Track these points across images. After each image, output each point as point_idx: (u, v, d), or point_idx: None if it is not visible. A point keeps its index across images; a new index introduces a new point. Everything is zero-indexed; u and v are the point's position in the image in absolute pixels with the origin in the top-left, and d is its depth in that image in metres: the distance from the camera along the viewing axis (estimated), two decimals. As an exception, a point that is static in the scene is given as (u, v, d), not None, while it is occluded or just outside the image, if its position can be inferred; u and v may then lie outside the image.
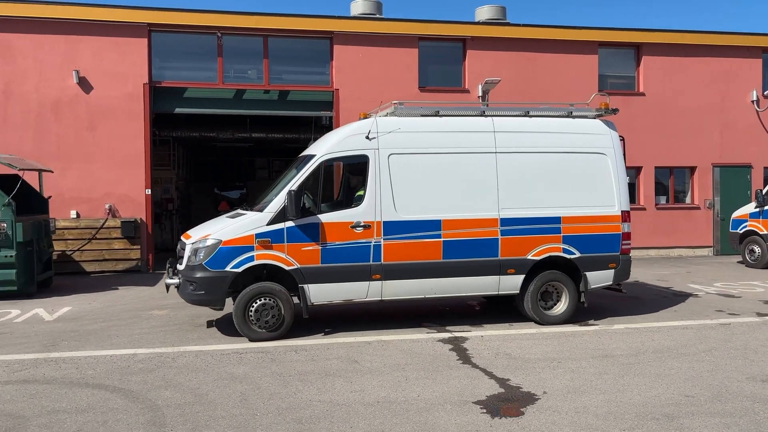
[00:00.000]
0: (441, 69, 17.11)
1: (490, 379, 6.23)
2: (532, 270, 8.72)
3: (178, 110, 15.84)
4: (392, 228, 8.29)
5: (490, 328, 8.60)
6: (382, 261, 8.24)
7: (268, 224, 7.98)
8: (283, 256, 7.99)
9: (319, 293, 8.16)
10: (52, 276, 12.68)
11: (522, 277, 8.67)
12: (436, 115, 8.86)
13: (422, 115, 8.88)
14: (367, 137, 8.41)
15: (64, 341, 7.97)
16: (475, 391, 5.84)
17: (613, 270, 8.99)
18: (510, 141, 8.80)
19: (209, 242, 7.97)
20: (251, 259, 7.92)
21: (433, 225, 8.43)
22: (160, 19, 15.25)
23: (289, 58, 16.47)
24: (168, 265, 8.65)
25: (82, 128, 14.94)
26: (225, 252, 7.89)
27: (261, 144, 22.15)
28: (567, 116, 9.26)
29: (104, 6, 15.08)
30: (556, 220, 8.76)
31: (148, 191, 15.22)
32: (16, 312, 10.00)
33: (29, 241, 11.32)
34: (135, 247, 14.91)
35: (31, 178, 12.76)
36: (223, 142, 22.29)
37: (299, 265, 8.02)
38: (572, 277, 8.88)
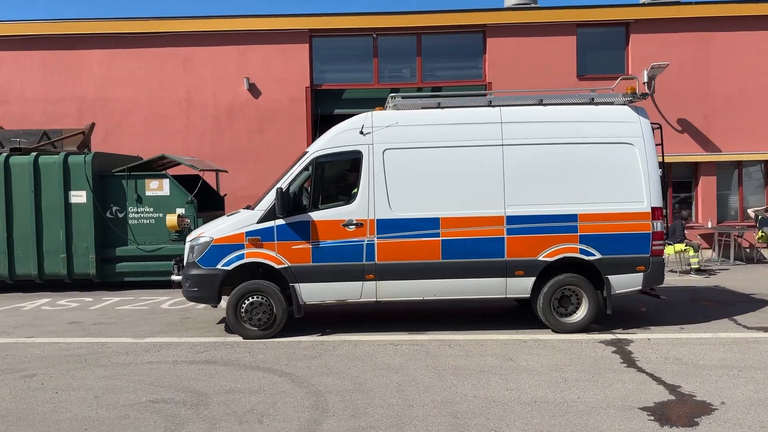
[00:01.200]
0: (601, 56, 16.21)
1: (658, 384, 5.80)
2: (545, 272, 7.98)
3: (337, 111, 16.55)
4: (386, 226, 7.95)
5: (658, 331, 8.01)
6: (376, 261, 7.93)
7: (258, 222, 7.97)
8: (273, 254, 7.93)
9: (311, 292, 8.01)
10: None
11: (532, 279, 7.96)
12: (437, 107, 8.34)
13: (423, 108, 8.40)
14: (361, 132, 8.11)
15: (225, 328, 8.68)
16: (642, 396, 5.48)
17: (642, 273, 7.98)
18: (519, 132, 8.08)
19: (201, 240, 8.12)
20: (241, 257, 7.94)
21: (431, 223, 7.97)
22: (320, 25, 16.04)
23: (442, 55, 16.55)
24: (174, 263, 8.91)
25: (252, 131, 16.16)
26: (216, 250, 7.99)
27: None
28: (588, 103, 8.35)
29: (270, 16, 16.17)
30: (572, 217, 7.93)
31: (310, 188, 16.09)
32: (198, 299, 11.07)
33: (208, 234, 12.48)
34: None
35: (209, 178, 14.06)
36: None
37: (289, 264, 7.92)
38: (593, 280, 8.01)
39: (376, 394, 5.66)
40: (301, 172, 8.15)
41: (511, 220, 7.92)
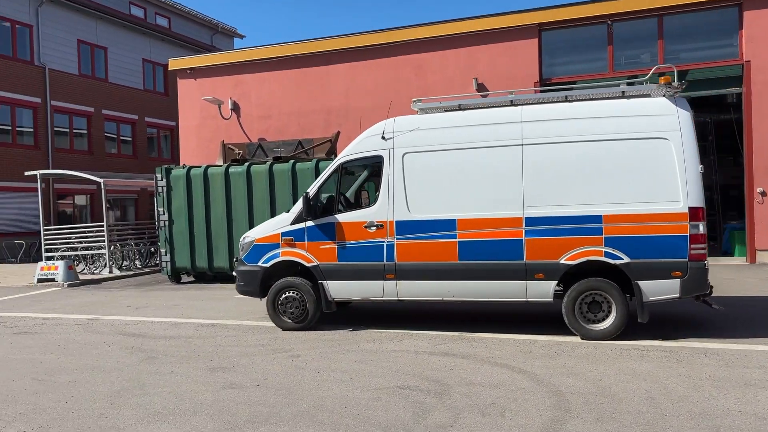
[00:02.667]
0: None
1: None
2: (571, 276, 7.58)
3: (567, 105, 16.05)
4: (405, 228, 8.08)
5: None
6: (396, 261, 8.12)
7: (291, 224, 8.56)
8: (304, 253, 8.49)
9: (338, 290, 8.47)
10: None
11: (553, 283, 7.61)
12: (458, 109, 8.19)
13: (446, 110, 8.25)
14: (383, 137, 8.23)
15: (473, 322, 8.88)
16: None
17: (678, 280, 7.19)
18: (540, 131, 7.68)
19: (247, 240, 8.89)
20: (277, 255, 8.60)
21: (447, 225, 7.94)
22: (549, 18, 15.67)
23: (687, 35, 15.10)
24: (234, 260, 9.40)
25: (480, 130, 16.37)
26: (257, 249, 8.74)
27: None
28: (620, 97, 7.70)
29: (498, 15, 16.24)
30: (596, 219, 7.40)
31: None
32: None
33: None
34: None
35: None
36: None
37: (318, 262, 8.43)
38: (624, 286, 7.39)
39: (623, 399, 5.38)
40: (329, 177, 8.60)
41: (530, 221, 7.67)
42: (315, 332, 8.55)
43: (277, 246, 8.71)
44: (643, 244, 7.32)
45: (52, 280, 15.24)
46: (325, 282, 8.54)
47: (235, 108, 19.06)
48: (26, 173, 19.86)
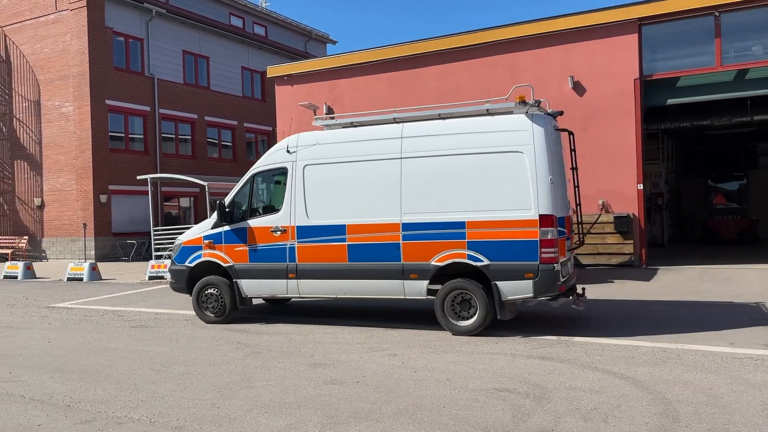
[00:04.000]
0: None
1: None
2: (441, 277, 8.37)
3: (670, 101, 15.36)
4: (304, 232, 9.01)
5: None
6: (297, 262, 9.08)
7: (212, 228, 9.69)
8: (222, 254, 9.59)
9: (250, 288, 9.53)
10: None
11: (425, 282, 8.45)
12: (351, 126, 9.23)
13: (343, 127, 9.27)
14: (288, 151, 9.25)
15: (570, 326, 8.70)
16: None
17: (531, 281, 7.90)
18: (417, 146, 8.56)
19: (177, 242, 10.17)
20: (200, 256, 9.75)
21: (339, 229, 8.81)
22: (650, 12, 15.04)
23: (805, 23, 14.03)
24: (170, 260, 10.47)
25: (576, 129, 15.88)
26: (185, 250, 9.95)
27: (765, 127, 19.50)
28: (485, 114, 8.48)
29: (595, 11, 15.75)
30: (461, 225, 8.20)
31: (640, 186, 15.20)
32: (527, 296, 11.40)
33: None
34: (627, 242, 15.11)
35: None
36: (717, 130, 20.57)
37: (233, 263, 9.48)
38: (487, 286, 8.10)
39: (736, 410, 5.12)
40: (243, 186, 9.64)
41: (406, 227, 8.47)
42: (409, 332, 8.67)
43: (200, 248, 9.82)
44: (500, 247, 8.05)
45: (162, 277, 16.26)
46: (239, 281, 9.56)
47: (330, 112, 19.55)
48: (138, 177, 21.28)
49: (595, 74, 15.64)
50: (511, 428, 4.89)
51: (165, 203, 26.51)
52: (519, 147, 8.06)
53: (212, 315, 9.79)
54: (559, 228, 8.05)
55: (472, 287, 8.21)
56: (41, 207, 24.33)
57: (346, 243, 8.84)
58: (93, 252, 23.02)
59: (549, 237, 7.87)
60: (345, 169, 8.99)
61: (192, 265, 9.88)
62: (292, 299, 10.31)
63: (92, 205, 23.36)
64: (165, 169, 25.51)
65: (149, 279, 16.47)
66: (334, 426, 5.07)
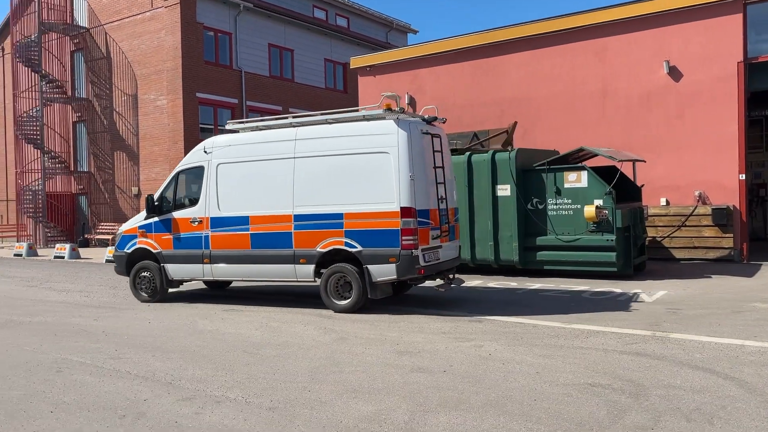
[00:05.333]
0: None
1: None
2: (326, 262, 9.53)
3: (777, 85, 14.32)
4: (216, 222, 10.26)
5: None
6: (211, 249, 10.34)
7: (144, 219, 11.01)
8: (152, 242, 10.86)
9: (174, 271, 10.80)
10: (645, 260, 13.40)
11: (312, 266, 9.58)
12: (257, 129, 10.46)
13: (252, 129, 10.49)
14: (205, 151, 10.52)
15: (665, 322, 8.31)
16: None
17: (394, 264, 9.05)
18: (307, 147, 9.72)
19: (119, 231, 11.74)
20: (135, 243, 11.08)
21: (243, 220, 10.03)
22: (755, -11, 14.07)
23: None
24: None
25: (671, 117, 15.19)
26: (124, 238, 11.35)
27: None
28: (362, 119, 9.56)
29: (693, -10, 14.89)
30: (339, 216, 9.34)
31: (742, 176, 14.31)
32: (618, 291, 11.01)
33: (626, 227, 12.25)
34: (727, 235, 14.27)
35: (625, 168, 13.75)
36: (830, 116, 18.95)
37: (161, 249, 10.77)
38: (361, 269, 9.24)
39: None
40: (170, 182, 10.98)
41: (297, 218, 9.66)
42: (495, 323, 8.56)
43: (136, 237, 11.19)
44: (370, 236, 9.22)
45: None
46: (165, 265, 10.86)
47: (411, 102, 19.55)
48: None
49: (693, 58, 14.81)
50: (607, 425, 4.73)
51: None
52: (386, 148, 9.24)
53: (146, 295, 11.14)
54: (420, 219, 9.18)
55: (349, 270, 9.41)
56: (138, 195, 25.69)
57: (249, 232, 10.08)
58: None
59: (409, 227, 9.06)
60: (250, 167, 10.21)
61: (129, 251, 11.25)
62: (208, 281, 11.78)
63: (184, 194, 24.46)
64: (251, 159, 26.30)
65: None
66: (423, 414, 5.08)
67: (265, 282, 12.25)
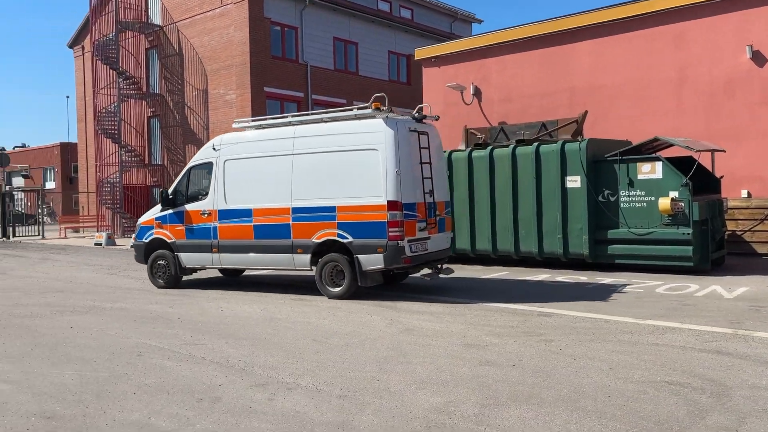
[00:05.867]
0: None
1: None
2: (321, 252, 10.18)
3: None
4: (223, 214, 10.98)
5: None
6: (218, 239, 11.07)
7: (160, 211, 11.78)
8: (167, 233, 11.58)
9: (186, 260, 11.55)
10: (724, 255, 12.80)
11: (308, 256, 10.25)
12: (261, 128, 11.17)
13: (256, 128, 11.19)
14: (214, 149, 11.25)
15: (747, 320, 7.92)
16: None
17: (381, 254, 9.67)
18: (304, 144, 10.37)
19: (138, 222, 12.42)
20: (152, 234, 11.83)
21: (247, 213, 10.73)
22: None
23: None
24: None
25: (754, 104, 14.41)
26: (142, 229, 12.10)
27: None
28: (354, 118, 10.21)
29: (780, -30, 14.05)
30: (332, 209, 10.02)
31: (832, 167, 13.43)
32: (694, 287, 10.56)
33: (704, 219, 11.72)
34: (814, 229, 13.43)
35: (702, 159, 13.15)
36: None
37: (175, 240, 11.52)
38: (352, 259, 9.89)
39: None
40: (182, 177, 11.79)
41: (295, 210, 10.30)
42: (564, 319, 8.39)
43: (153, 227, 11.97)
44: (361, 227, 9.80)
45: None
46: (179, 254, 11.67)
47: (477, 93, 19.32)
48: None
49: (779, 42, 13.98)
50: (688, 424, 4.55)
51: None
52: (375, 145, 9.80)
53: (162, 281, 11.98)
54: (406, 212, 9.74)
55: (342, 260, 10.04)
56: (208, 187, 26.49)
57: (252, 224, 10.80)
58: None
59: (395, 219, 9.64)
60: (254, 163, 10.91)
61: (147, 241, 12.05)
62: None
63: (252, 186, 25.08)
64: (316, 152, 26.67)
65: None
66: (494, 407, 5.03)
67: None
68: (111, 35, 28.06)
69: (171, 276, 11.82)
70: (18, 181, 53.15)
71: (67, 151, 48.86)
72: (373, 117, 10.05)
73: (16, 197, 44.17)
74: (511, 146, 13.91)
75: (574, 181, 12.89)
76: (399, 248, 9.65)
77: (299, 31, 26.66)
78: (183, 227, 11.55)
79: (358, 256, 9.83)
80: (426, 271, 10.71)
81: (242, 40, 24.91)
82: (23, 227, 32.87)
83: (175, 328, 8.33)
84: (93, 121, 29.56)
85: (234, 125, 11.86)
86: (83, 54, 33.09)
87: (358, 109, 10.35)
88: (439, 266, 10.73)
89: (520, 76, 18.34)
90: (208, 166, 11.45)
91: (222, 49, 25.78)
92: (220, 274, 13.41)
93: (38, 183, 49.49)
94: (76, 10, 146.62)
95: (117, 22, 27.75)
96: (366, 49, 29.42)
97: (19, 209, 43.56)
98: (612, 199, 12.58)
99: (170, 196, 11.75)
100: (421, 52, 20.86)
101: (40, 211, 35.87)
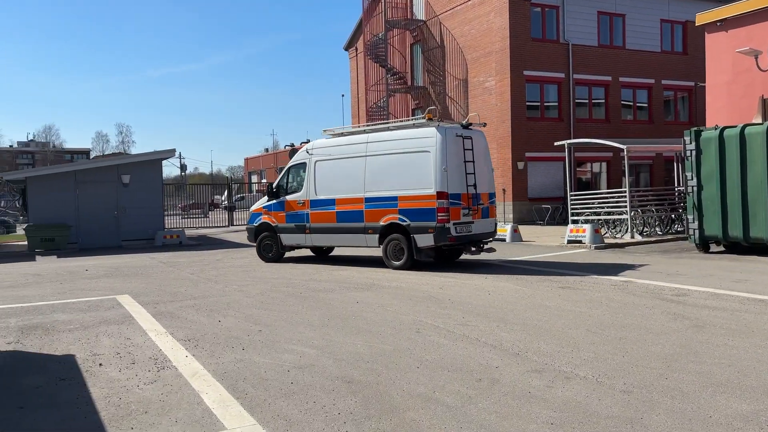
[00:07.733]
0: None
1: None
2: (386, 233, 12.84)
3: None
4: (314, 203, 14.08)
5: None
6: (310, 223, 14.15)
7: (267, 201, 15.10)
8: (272, 218, 14.87)
9: (286, 239, 14.74)
10: None
11: (377, 236, 12.96)
12: (342, 135, 14.24)
13: (340, 135, 14.27)
14: (307, 152, 14.48)
15: None
16: None
17: (432, 234, 12.16)
18: (374, 148, 13.22)
19: (250, 210, 15.99)
20: (260, 219, 15.11)
21: (332, 202, 13.73)
22: None
23: None
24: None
25: None
26: (253, 215, 15.43)
27: None
28: (412, 127, 13.07)
29: None
30: (395, 198, 12.69)
31: None
32: None
33: None
34: None
35: None
36: None
37: (277, 224, 14.78)
38: (409, 238, 12.52)
39: None
40: (284, 174, 14.78)
41: (367, 200, 13.13)
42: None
43: (261, 214, 15.10)
44: (416, 213, 12.41)
45: (580, 242, 16.43)
46: (280, 235, 14.71)
47: (774, 57, 16.55)
48: (555, 143, 21.84)
49: None
50: None
51: (577, 168, 26.67)
52: (427, 148, 12.35)
53: (270, 255, 14.97)
54: (451, 200, 12.17)
55: (402, 239, 12.63)
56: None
57: (335, 210, 13.63)
58: (511, 215, 24.74)
59: (443, 206, 12.10)
60: (337, 163, 13.78)
61: (256, 225, 15.20)
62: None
63: (510, 172, 25.04)
64: (578, 134, 25.60)
65: (567, 243, 16.83)
66: (820, 424, 4.26)
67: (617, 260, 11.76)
68: (380, 35, 30.27)
69: (276, 252, 14.94)
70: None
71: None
72: (428, 126, 12.60)
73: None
74: (739, 127, 11.88)
75: None
76: (445, 229, 12.12)
77: (560, 10, 25.75)
78: (284, 213, 14.57)
79: (414, 235, 12.40)
80: (472, 249, 12.91)
81: (502, 26, 24.90)
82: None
83: (446, 308, 8.68)
84: (365, 116, 32.29)
85: (323, 134, 14.80)
86: (356, 55, 36.28)
87: (416, 120, 13.20)
88: (481, 245, 12.96)
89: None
90: (303, 166, 14.46)
91: (482, 36, 26.10)
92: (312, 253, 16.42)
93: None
94: (350, 16, 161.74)
95: (386, 21, 29.82)
96: (634, 20, 27.26)
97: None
98: None
99: (274, 189, 14.77)
100: (703, 17, 18.57)
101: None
